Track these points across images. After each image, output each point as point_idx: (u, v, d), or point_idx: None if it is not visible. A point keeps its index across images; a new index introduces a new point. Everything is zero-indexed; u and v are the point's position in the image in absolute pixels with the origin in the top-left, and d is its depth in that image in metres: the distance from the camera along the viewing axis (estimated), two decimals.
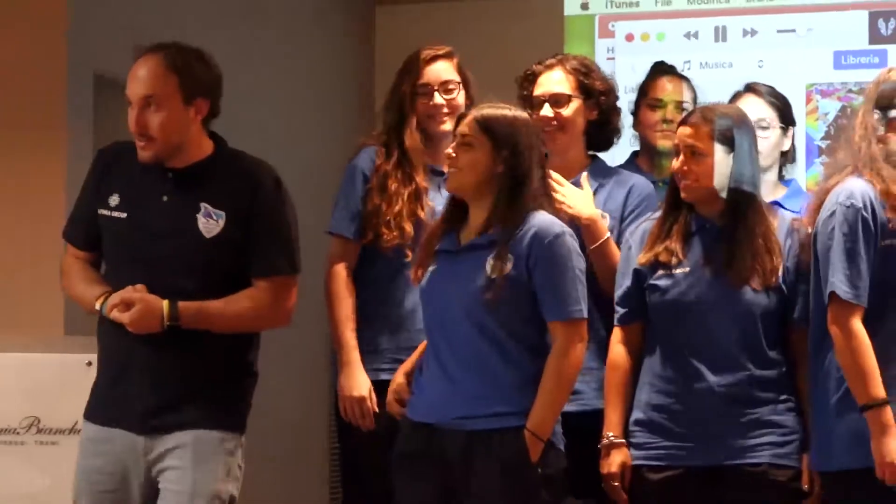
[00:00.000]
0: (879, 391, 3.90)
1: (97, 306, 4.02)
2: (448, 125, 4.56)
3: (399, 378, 4.35)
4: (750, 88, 4.98)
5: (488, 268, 3.99)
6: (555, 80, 4.56)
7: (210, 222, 4.07)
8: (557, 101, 4.54)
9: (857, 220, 3.93)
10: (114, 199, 4.10)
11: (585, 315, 4.06)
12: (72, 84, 5.37)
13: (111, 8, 5.65)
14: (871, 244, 3.96)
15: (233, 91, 6.31)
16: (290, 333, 4.59)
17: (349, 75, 7.64)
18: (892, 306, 3.99)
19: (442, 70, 4.75)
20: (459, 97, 4.71)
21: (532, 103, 4.55)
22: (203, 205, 4.07)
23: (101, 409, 4.10)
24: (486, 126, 4.08)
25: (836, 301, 3.93)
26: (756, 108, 4.76)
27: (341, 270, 4.67)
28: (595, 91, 4.54)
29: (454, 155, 4.09)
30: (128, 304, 3.94)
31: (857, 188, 3.98)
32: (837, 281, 3.90)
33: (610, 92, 4.63)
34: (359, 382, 4.52)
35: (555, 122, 4.48)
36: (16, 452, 4.34)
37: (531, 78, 4.63)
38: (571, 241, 4.09)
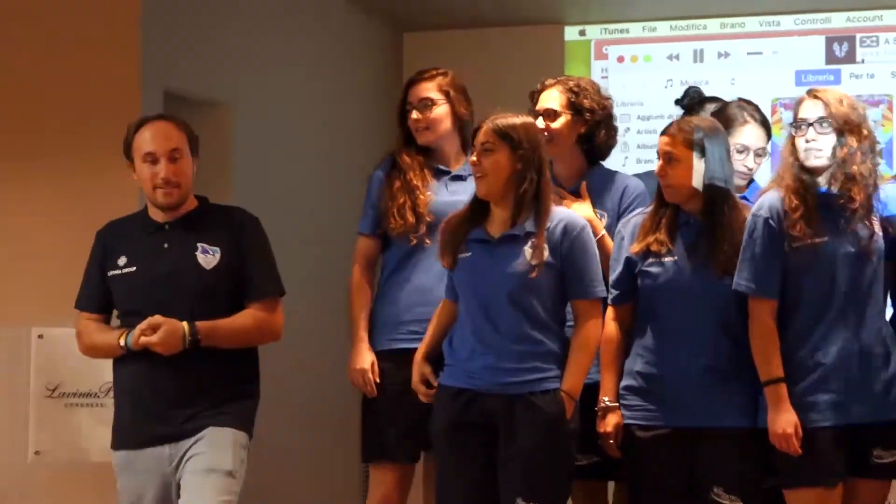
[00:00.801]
0: (777, 370, 3.94)
1: (122, 342, 4.02)
2: (425, 137, 4.64)
3: (423, 365, 4.31)
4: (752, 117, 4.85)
5: (528, 255, 4.02)
6: (549, 98, 4.54)
7: (208, 257, 4.13)
8: (548, 115, 4.52)
9: (763, 228, 3.97)
10: (122, 260, 4.15)
11: (605, 294, 4.14)
12: (145, 100, 5.35)
13: (177, 31, 5.62)
14: (775, 248, 3.97)
15: (281, 112, 6.36)
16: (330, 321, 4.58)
17: (380, 97, 7.48)
18: (803, 301, 3.99)
19: (421, 89, 4.70)
20: (436, 111, 4.65)
21: (535, 116, 4.56)
22: (200, 244, 4.13)
23: (126, 436, 4.12)
24: (501, 131, 4.08)
25: (749, 295, 3.99)
26: (756, 138, 4.71)
27: (359, 268, 4.72)
28: (583, 108, 4.50)
29: (477, 161, 4.09)
30: (154, 329, 3.96)
31: (767, 200, 4.02)
32: (741, 279, 3.96)
33: (599, 110, 4.55)
34: (362, 357, 4.52)
35: (545, 133, 4.48)
36: (97, 413, 4.35)
37: (535, 95, 4.65)
38: (591, 233, 4.15)
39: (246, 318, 4.15)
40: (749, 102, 4.77)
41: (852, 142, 4.05)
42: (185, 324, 3.99)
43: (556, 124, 4.50)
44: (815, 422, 3.97)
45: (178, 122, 4.21)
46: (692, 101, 4.80)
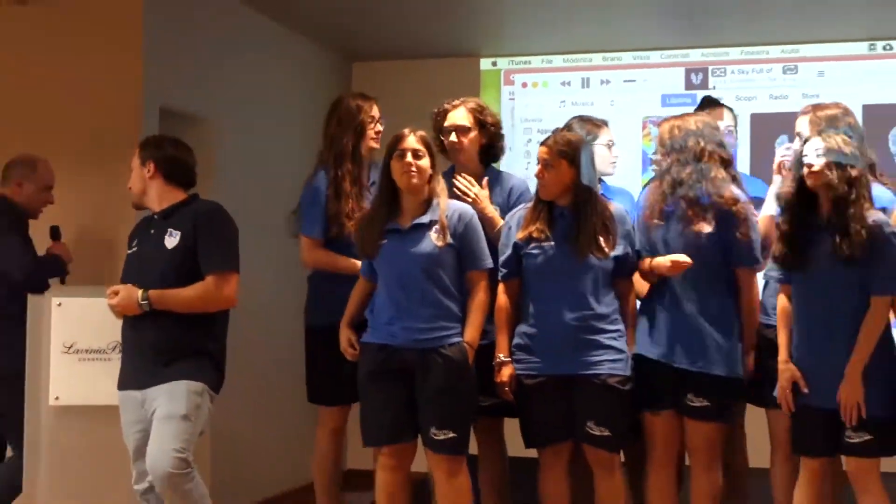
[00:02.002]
0: None
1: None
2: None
3: (348, 331, 4.31)
4: (718, 104, 4.84)
5: (433, 237, 4.04)
6: (459, 116, 4.51)
7: (171, 239, 4.18)
8: (461, 130, 4.49)
9: None
10: (133, 244, 4.30)
11: (492, 266, 4.16)
12: (145, 116, 5.32)
13: (171, 59, 5.59)
14: None
15: (254, 127, 6.32)
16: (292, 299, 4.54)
17: None
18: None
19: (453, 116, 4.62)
20: (378, 126, 4.69)
21: (443, 131, 4.55)
22: (169, 229, 4.18)
23: (121, 378, 4.22)
24: (425, 141, 4.14)
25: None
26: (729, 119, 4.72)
27: None
28: (487, 123, 4.51)
29: (412, 167, 4.12)
30: (115, 293, 4.10)
31: None
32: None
33: (496, 125, 4.57)
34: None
35: (458, 146, 4.49)
36: (104, 366, 4.33)
37: (442, 114, 4.60)
38: (478, 220, 4.19)
39: (195, 288, 4.16)
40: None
41: None
42: (140, 290, 4.07)
43: (467, 138, 4.50)
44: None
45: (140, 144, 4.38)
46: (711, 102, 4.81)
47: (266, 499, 5.39)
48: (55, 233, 5.07)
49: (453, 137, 4.47)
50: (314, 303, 4.67)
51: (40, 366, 4.47)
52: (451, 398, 4.05)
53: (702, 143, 4.15)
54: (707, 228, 4.10)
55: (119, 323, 4.21)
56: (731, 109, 4.69)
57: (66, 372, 4.44)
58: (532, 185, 4.40)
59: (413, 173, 4.08)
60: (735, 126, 4.67)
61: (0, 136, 5.46)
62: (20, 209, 4.92)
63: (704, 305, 4.14)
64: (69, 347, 4.45)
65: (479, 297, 4.12)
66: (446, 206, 4.12)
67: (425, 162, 4.11)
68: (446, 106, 4.60)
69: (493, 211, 4.44)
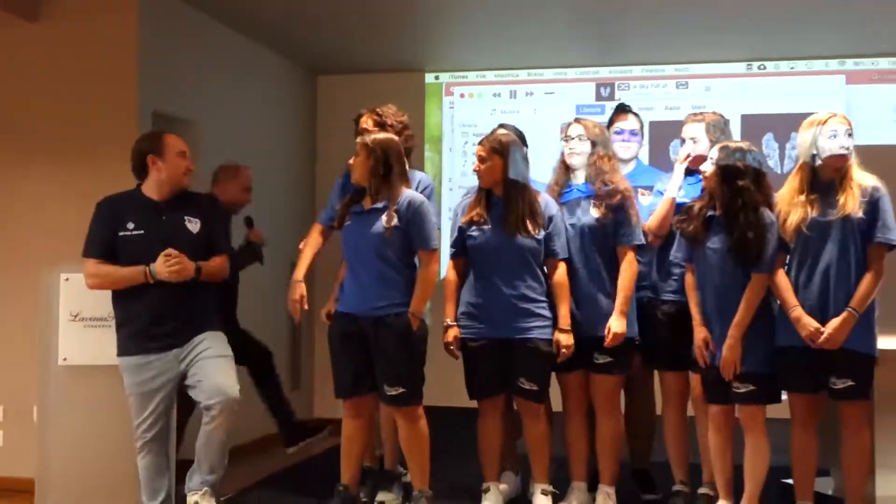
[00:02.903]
0: None
1: (149, 271, 4.04)
2: None
3: (301, 285, 4.31)
4: (626, 110, 4.76)
5: (384, 220, 4.03)
6: (363, 121, 4.50)
7: (192, 224, 4.17)
8: (364, 133, 4.47)
9: None
10: (130, 225, 4.12)
11: (437, 246, 4.14)
12: (140, 118, 5.26)
13: (162, 68, 5.53)
14: None
15: (232, 131, 6.27)
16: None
17: (299, 124, 7.47)
18: None
19: (363, 121, 4.58)
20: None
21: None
22: (185, 216, 4.16)
23: (142, 343, 4.09)
24: (371, 145, 4.11)
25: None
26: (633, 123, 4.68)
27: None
28: (386, 125, 4.43)
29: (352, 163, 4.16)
30: (170, 255, 4.02)
31: None
32: None
33: (396, 124, 4.47)
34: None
35: None
36: (105, 332, 4.28)
37: (356, 120, 4.59)
38: (428, 206, 4.15)
39: (217, 261, 4.22)
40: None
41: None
42: (192, 263, 4.07)
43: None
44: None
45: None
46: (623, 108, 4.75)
47: (236, 446, 5.37)
48: (250, 222, 5.21)
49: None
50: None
51: (51, 332, 4.43)
52: (400, 359, 4.04)
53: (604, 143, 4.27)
54: (595, 213, 4.19)
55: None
56: (637, 115, 4.70)
57: (73, 337, 4.40)
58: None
59: (357, 168, 4.13)
60: (641, 128, 4.68)
61: (14, 136, 5.42)
62: (225, 206, 4.85)
63: (600, 277, 4.19)
64: (75, 316, 4.41)
65: (426, 273, 4.09)
66: (398, 194, 4.08)
67: (358, 159, 4.12)
68: (359, 115, 4.61)
69: None
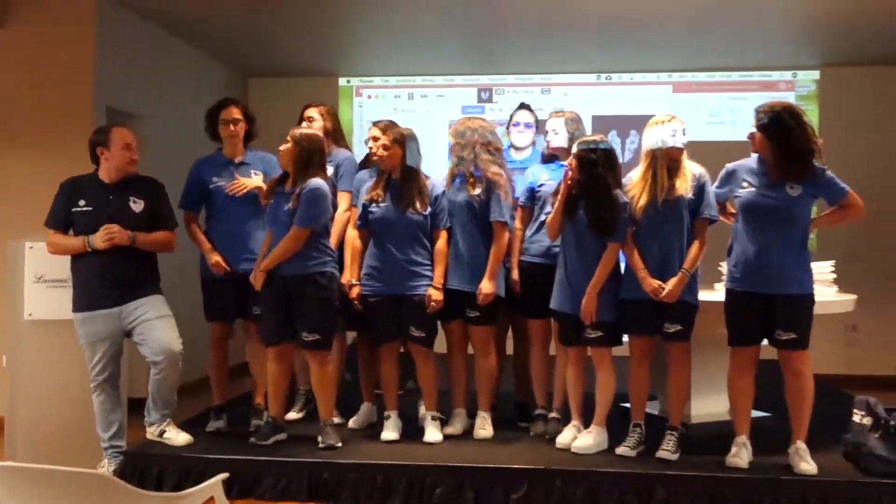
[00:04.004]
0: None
1: (86, 242, 3.89)
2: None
3: (215, 253, 4.21)
4: (524, 107, 4.67)
5: (290, 202, 3.92)
6: (310, 112, 4.46)
7: (136, 204, 4.01)
8: (311, 119, 4.44)
9: None
10: (82, 203, 3.97)
11: (314, 224, 3.96)
12: (94, 113, 5.03)
13: (115, 66, 5.31)
14: None
15: (174, 127, 6.04)
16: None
17: None
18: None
19: (311, 112, 4.51)
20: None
21: (300, 121, 4.48)
22: (131, 197, 4.00)
23: (90, 301, 3.96)
24: (297, 138, 3.99)
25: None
26: (527, 117, 4.61)
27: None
28: (249, 115, 4.42)
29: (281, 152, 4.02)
30: (112, 229, 3.88)
31: None
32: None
33: (331, 117, 4.49)
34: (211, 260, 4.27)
35: (233, 132, 4.34)
36: (65, 291, 4.10)
37: (303, 110, 4.51)
38: (321, 191, 3.98)
39: (157, 235, 4.04)
40: None
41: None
42: (128, 232, 3.91)
43: (237, 127, 4.36)
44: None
45: None
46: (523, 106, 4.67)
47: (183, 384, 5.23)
48: None
49: (231, 127, 4.36)
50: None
51: (18, 291, 4.27)
52: (316, 310, 3.95)
53: (476, 137, 4.17)
54: (476, 191, 4.13)
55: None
56: (532, 111, 4.66)
57: (37, 295, 4.26)
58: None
59: (284, 155, 4.03)
60: (535, 122, 4.64)
61: None
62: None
63: (476, 244, 4.14)
64: (39, 278, 4.26)
65: (285, 241, 3.92)
66: (306, 181, 3.95)
67: (286, 147, 4.01)
68: (308, 105, 4.53)
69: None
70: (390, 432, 4.14)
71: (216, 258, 4.23)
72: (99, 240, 3.87)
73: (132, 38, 5.65)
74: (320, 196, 3.95)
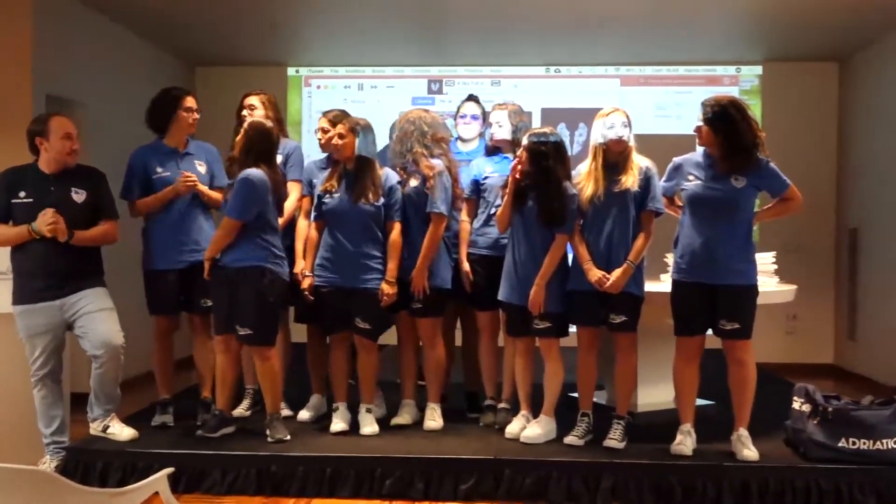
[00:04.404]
0: None
1: (30, 228, 3.79)
2: None
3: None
4: (471, 98, 4.65)
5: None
6: (251, 101, 4.43)
7: (78, 195, 3.91)
8: (252, 108, 4.40)
9: None
10: (22, 194, 3.87)
11: (236, 217, 3.92)
12: (34, 101, 4.87)
13: (55, 53, 5.16)
14: None
15: (116, 114, 5.90)
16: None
17: None
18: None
19: (252, 100, 4.45)
20: (258, 113, 4.35)
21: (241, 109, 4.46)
22: (72, 188, 3.90)
23: (31, 294, 3.87)
24: (245, 127, 3.97)
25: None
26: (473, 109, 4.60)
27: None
28: (267, 106, 4.42)
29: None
30: (55, 220, 3.78)
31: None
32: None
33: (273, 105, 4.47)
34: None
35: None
36: (5, 284, 3.99)
37: (242, 99, 4.47)
38: (248, 181, 3.95)
39: (98, 230, 3.93)
40: None
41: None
42: (68, 230, 3.81)
43: (259, 112, 4.36)
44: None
45: None
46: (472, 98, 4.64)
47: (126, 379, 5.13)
48: None
49: (195, 115, 4.32)
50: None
51: None
52: (251, 304, 3.90)
53: (412, 128, 4.17)
54: (415, 184, 4.12)
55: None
56: (479, 104, 4.64)
57: None
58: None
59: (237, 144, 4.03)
60: (482, 114, 4.62)
61: None
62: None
63: (420, 236, 4.11)
64: None
65: (218, 231, 3.95)
66: (240, 169, 3.96)
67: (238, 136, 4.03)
68: (248, 93, 4.51)
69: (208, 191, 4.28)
70: (339, 424, 4.12)
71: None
72: (43, 225, 3.76)
73: (73, 25, 5.49)
74: (248, 185, 3.88)
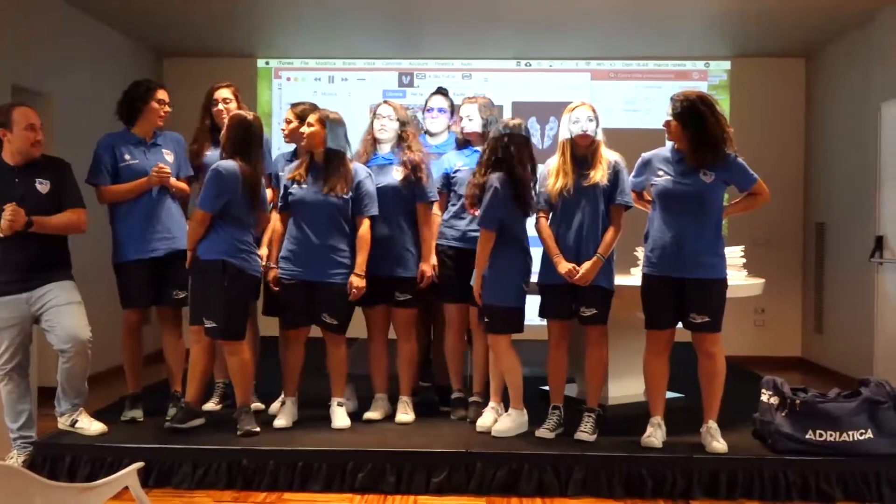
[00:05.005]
0: None
1: None
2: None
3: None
4: (439, 91, 4.64)
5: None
6: (226, 92, 4.42)
7: (42, 186, 3.85)
8: (227, 101, 4.38)
9: None
10: None
11: (204, 208, 3.91)
12: None
13: (20, 43, 5.07)
14: None
15: (83, 104, 5.82)
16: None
17: None
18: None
19: (225, 93, 4.42)
20: (232, 106, 4.35)
21: (213, 102, 4.42)
22: (37, 179, 3.84)
23: None
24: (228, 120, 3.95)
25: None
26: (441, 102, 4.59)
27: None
28: (238, 99, 4.43)
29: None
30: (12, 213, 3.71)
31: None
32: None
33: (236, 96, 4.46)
34: None
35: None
36: None
37: (211, 91, 4.44)
38: (214, 175, 3.96)
39: (61, 217, 3.87)
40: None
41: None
42: (25, 217, 3.73)
43: (233, 105, 4.37)
44: None
45: None
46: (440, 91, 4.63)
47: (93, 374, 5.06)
48: None
49: (166, 108, 4.30)
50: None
51: None
52: (213, 298, 3.89)
53: (406, 118, 4.25)
54: (399, 177, 4.15)
55: None
56: (447, 97, 4.64)
57: None
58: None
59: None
60: (451, 108, 4.60)
61: None
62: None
63: (401, 228, 4.15)
64: None
65: (189, 224, 3.97)
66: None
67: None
68: (217, 86, 4.47)
69: (177, 182, 4.26)
70: (283, 419, 4.11)
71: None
72: (3, 223, 3.69)
73: (39, 14, 5.41)
74: (215, 177, 3.88)
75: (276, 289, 4.08)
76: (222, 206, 3.88)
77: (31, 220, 3.74)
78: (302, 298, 4.04)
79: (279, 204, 4.13)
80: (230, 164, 3.89)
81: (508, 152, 3.86)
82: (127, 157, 4.18)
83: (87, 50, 6.08)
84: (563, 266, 3.83)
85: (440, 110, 4.56)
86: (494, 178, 3.85)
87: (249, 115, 4.06)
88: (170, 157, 4.26)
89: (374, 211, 4.07)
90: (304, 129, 4.07)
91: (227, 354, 3.98)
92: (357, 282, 4.00)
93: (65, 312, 3.80)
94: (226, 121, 4.12)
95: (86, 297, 3.97)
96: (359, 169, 4.11)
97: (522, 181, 3.87)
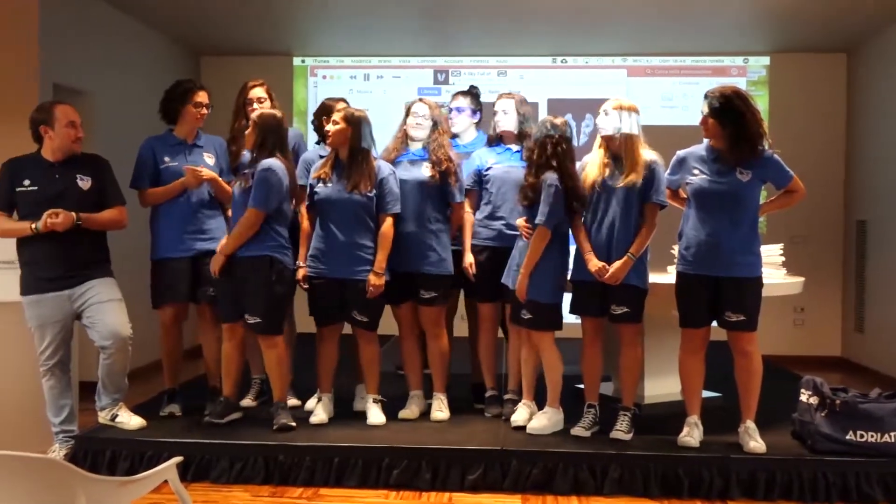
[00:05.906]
0: None
1: (32, 227, 3.79)
2: None
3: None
4: (459, 92, 4.64)
5: (243, 182, 3.98)
6: (261, 91, 4.43)
7: (84, 182, 3.91)
8: (261, 100, 4.40)
9: None
10: (27, 182, 3.86)
11: (262, 208, 3.93)
12: (41, 90, 4.88)
13: (62, 43, 5.16)
14: None
15: (124, 103, 5.90)
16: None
17: None
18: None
19: (260, 92, 4.45)
20: (266, 105, 4.37)
21: (247, 101, 4.42)
22: (77, 175, 3.90)
23: (39, 284, 3.86)
24: (255, 119, 3.98)
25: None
26: (459, 102, 4.58)
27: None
28: (272, 98, 4.44)
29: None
30: (57, 214, 3.75)
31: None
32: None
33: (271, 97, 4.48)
34: None
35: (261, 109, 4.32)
36: (14, 274, 3.99)
37: (245, 90, 4.46)
38: (267, 174, 3.97)
39: (106, 214, 3.93)
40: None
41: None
42: (74, 214, 3.79)
43: (267, 104, 4.38)
44: None
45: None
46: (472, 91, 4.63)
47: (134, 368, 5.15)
48: None
49: (204, 111, 4.32)
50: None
51: None
52: (257, 295, 3.92)
53: (439, 117, 4.24)
54: (428, 173, 4.14)
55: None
56: (469, 94, 4.62)
57: None
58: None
59: (247, 137, 4.06)
60: (474, 107, 4.60)
61: None
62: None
63: (426, 224, 4.13)
64: None
65: (241, 224, 3.93)
66: (256, 161, 3.99)
67: (248, 129, 4.04)
68: (250, 84, 4.49)
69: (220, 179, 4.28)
70: (320, 415, 4.12)
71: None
72: (45, 222, 3.76)
73: (80, 14, 5.50)
74: (268, 176, 3.90)
75: (305, 287, 4.10)
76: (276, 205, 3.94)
77: (79, 217, 3.81)
78: (331, 296, 4.05)
79: (307, 202, 4.15)
80: (278, 163, 3.94)
81: (559, 151, 3.86)
82: (167, 159, 4.23)
83: (126, 49, 6.18)
84: (594, 264, 3.82)
85: (458, 110, 4.56)
86: (552, 178, 3.84)
87: (278, 113, 4.10)
88: (211, 160, 4.30)
89: (397, 209, 4.06)
90: (329, 127, 4.09)
91: (264, 349, 4.02)
92: (374, 280, 4.00)
93: (106, 309, 3.87)
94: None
95: (125, 294, 4.04)
96: (382, 166, 4.11)
97: (574, 178, 3.88)
